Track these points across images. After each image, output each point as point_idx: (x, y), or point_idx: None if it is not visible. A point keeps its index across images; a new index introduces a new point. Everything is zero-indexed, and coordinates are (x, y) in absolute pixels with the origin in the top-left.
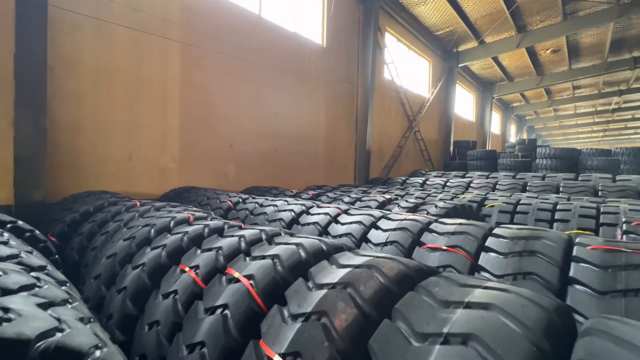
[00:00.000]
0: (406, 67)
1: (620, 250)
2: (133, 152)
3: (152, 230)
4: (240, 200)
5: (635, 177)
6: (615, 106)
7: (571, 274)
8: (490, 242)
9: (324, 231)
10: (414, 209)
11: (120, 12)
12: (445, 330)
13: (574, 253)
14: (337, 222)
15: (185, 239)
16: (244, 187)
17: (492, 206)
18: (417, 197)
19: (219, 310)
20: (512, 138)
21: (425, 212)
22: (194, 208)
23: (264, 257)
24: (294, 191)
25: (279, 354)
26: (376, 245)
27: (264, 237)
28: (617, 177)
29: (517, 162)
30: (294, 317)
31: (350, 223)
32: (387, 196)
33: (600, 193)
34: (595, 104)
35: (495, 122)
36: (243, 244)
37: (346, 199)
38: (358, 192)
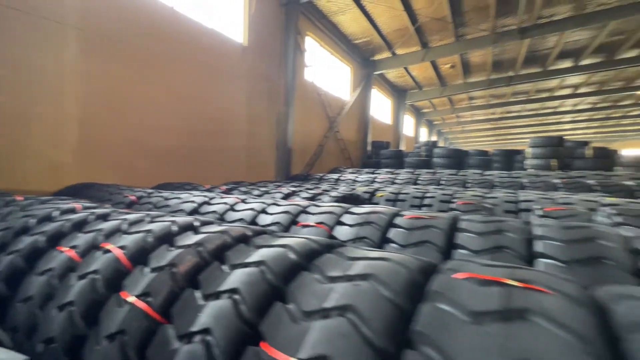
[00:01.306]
0: (329, 71)
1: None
2: (19, 145)
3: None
4: (145, 194)
5: (496, 172)
6: (500, 115)
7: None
8: (343, 218)
9: (220, 218)
10: (312, 198)
11: None
12: (325, 305)
13: (394, 221)
14: (234, 209)
15: (69, 225)
16: (157, 183)
17: (381, 196)
18: (319, 189)
19: (90, 275)
20: (424, 140)
21: (320, 200)
22: (87, 201)
23: (139, 232)
24: (207, 186)
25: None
26: (263, 226)
27: (147, 219)
28: (485, 172)
29: (419, 161)
30: (206, 297)
31: (244, 210)
32: (293, 189)
33: (468, 184)
34: (487, 112)
35: (409, 126)
36: (125, 225)
37: (256, 192)
38: (273, 186)
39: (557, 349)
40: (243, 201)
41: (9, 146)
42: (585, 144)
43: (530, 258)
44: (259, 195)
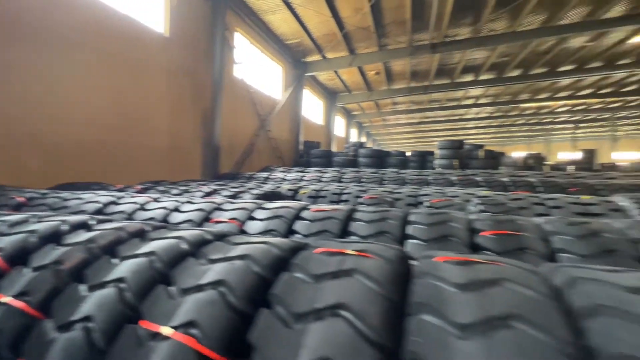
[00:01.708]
0: (260, 70)
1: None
2: None
3: None
4: (38, 195)
5: (409, 171)
6: (418, 120)
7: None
8: (255, 213)
9: (129, 218)
10: (233, 196)
11: None
12: (201, 282)
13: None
14: (144, 209)
15: None
16: (58, 183)
17: (304, 193)
18: (242, 187)
19: None
20: (354, 141)
21: (241, 198)
22: None
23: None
24: (120, 186)
25: None
26: (174, 224)
27: (32, 219)
28: (400, 171)
29: (347, 160)
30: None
31: (156, 209)
32: (215, 187)
33: (384, 182)
34: (408, 117)
35: (341, 127)
36: (4, 227)
37: (175, 191)
38: (195, 185)
39: (366, 295)
40: (155, 200)
41: None
42: (480, 147)
43: (402, 239)
44: (178, 194)
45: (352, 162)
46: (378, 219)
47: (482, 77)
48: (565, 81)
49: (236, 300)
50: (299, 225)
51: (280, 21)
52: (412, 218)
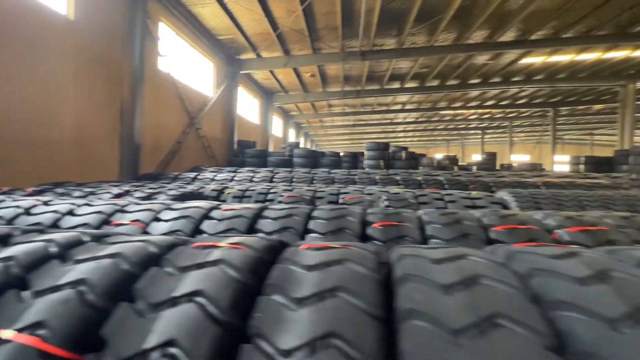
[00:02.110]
0: (189, 64)
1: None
2: None
3: None
4: None
5: (340, 171)
6: (353, 122)
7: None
8: (161, 214)
9: (8, 223)
10: (147, 198)
11: None
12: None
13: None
14: (29, 213)
15: None
16: None
17: (229, 193)
18: (159, 189)
19: None
20: (292, 141)
21: (156, 199)
22: None
23: None
24: (5, 189)
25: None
26: (68, 229)
27: None
28: (331, 171)
29: (282, 160)
30: None
31: (44, 213)
32: (127, 188)
33: (315, 181)
34: (343, 119)
35: (278, 127)
36: None
37: (77, 193)
38: (106, 186)
39: (224, 281)
40: (45, 203)
41: None
42: (405, 149)
43: (304, 234)
44: (80, 197)
45: (287, 162)
46: (284, 215)
47: (407, 85)
48: (474, 92)
49: (95, 298)
50: (206, 225)
51: (211, 15)
52: (315, 214)
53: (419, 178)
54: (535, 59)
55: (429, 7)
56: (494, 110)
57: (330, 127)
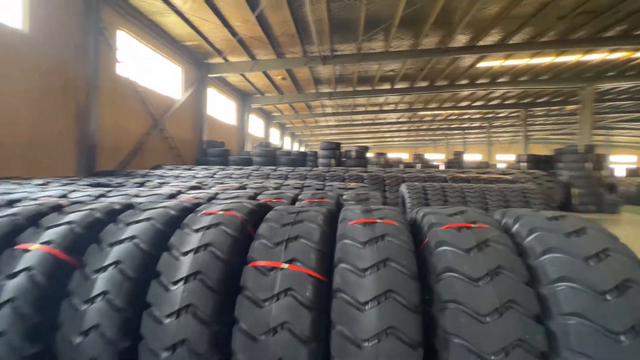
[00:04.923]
0: (155, 69)
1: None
2: None
3: None
4: None
5: (290, 168)
6: (337, 123)
7: None
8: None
9: None
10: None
11: None
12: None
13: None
14: None
15: None
16: None
17: (150, 185)
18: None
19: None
20: (278, 141)
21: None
22: None
23: None
24: None
25: None
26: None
27: None
28: (278, 168)
29: (242, 159)
30: None
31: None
32: (49, 182)
33: (269, 177)
34: (325, 119)
35: (260, 128)
36: None
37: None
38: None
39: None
40: None
41: None
42: (367, 148)
43: None
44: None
45: (247, 161)
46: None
47: (377, 87)
48: (445, 94)
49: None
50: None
51: (173, 24)
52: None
53: (342, 174)
54: (491, 63)
55: (374, 15)
56: (469, 111)
57: (315, 127)
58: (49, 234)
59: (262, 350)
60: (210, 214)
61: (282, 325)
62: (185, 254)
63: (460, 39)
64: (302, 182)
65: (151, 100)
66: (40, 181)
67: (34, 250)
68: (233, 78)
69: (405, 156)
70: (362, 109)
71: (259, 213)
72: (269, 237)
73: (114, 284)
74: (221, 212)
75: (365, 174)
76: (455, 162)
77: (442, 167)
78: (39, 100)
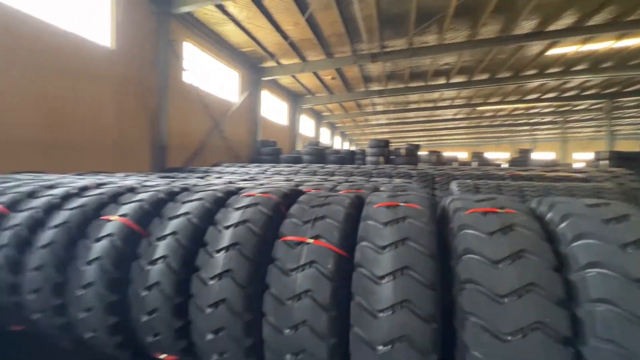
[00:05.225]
0: (215, 75)
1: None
2: None
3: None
4: None
5: (338, 165)
6: (389, 121)
7: None
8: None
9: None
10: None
11: None
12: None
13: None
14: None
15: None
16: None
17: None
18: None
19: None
20: (328, 140)
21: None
22: None
23: None
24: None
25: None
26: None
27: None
28: (326, 166)
29: (292, 157)
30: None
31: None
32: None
33: (316, 173)
34: (375, 118)
35: (311, 127)
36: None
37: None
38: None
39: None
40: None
41: None
42: (417, 147)
43: None
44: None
45: (296, 159)
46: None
47: (430, 83)
48: (508, 87)
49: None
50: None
51: (231, 32)
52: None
53: (390, 171)
54: (565, 49)
55: (426, 7)
56: (538, 105)
57: (365, 126)
58: (125, 209)
59: (288, 313)
60: (250, 195)
61: (305, 292)
62: (227, 227)
63: (526, 25)
64: (347, 178)
65: (211, 104)
66: (122, 174)
67: (114, 221)
68: (285, 80)
69: (463, 155)
70: (415, 105)
71: (292, 196)
72: (299, 216)
73: (171, 250)
74: (259, 194)
75: (414, 172)
76: (519, 161)
77: (504, 166)
78: (122, 107)
